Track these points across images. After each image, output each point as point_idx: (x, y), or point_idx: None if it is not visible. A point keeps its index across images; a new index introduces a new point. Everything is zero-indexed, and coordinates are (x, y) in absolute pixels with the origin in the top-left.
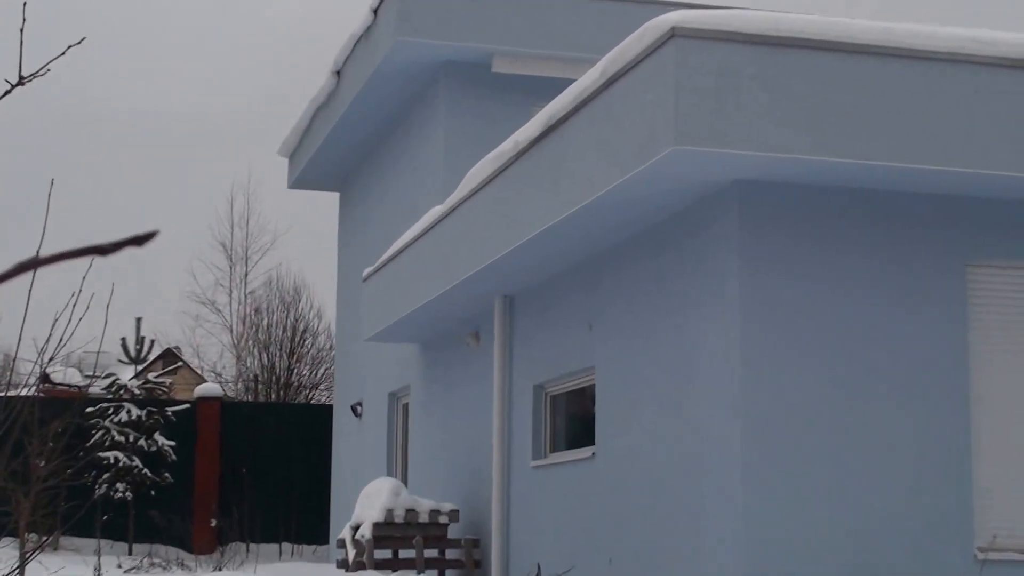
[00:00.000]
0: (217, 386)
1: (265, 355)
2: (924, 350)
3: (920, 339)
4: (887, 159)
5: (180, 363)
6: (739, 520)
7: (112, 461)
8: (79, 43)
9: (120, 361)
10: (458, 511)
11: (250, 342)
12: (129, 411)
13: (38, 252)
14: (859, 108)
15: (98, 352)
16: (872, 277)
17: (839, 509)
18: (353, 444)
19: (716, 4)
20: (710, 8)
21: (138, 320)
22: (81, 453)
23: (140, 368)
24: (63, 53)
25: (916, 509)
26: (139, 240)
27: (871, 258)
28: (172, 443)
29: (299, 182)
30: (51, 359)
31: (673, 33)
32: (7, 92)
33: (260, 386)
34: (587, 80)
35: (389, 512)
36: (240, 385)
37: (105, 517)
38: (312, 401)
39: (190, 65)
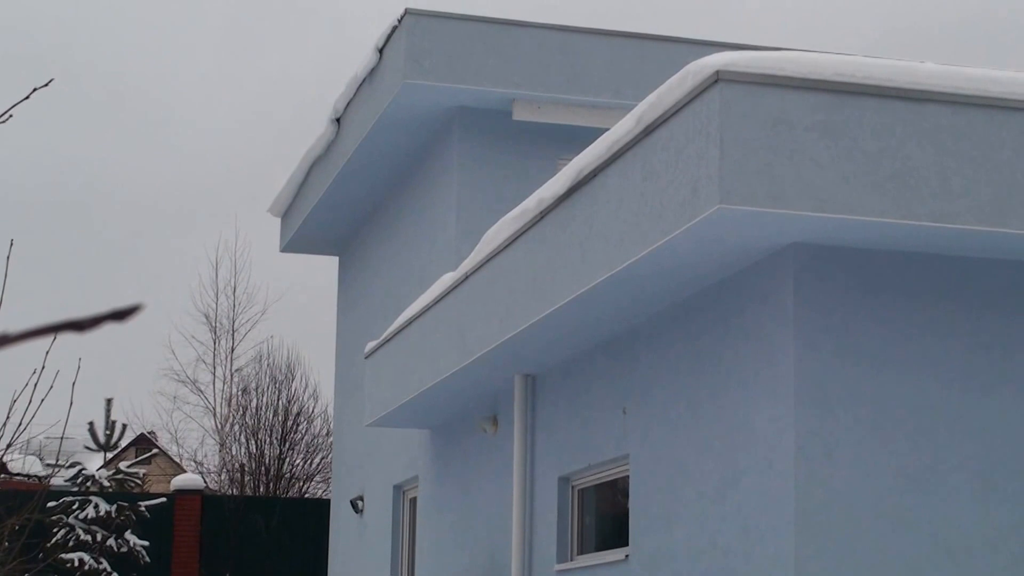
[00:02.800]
0: (198, 477)
1: (253, 442)
2: (1002, 439)
3: (997, 426)
4: (963, 221)
5: (155, 450)
6: None
7: (77, 564)
8: (46, 85)
9: (87, 448)
10: None
11: (236, 427)
12: (97, 506)
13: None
14: (932, 163)
15: (62, 438)
16: (944, 355)
17: None
18: (353, 544)
19: (762, 44)
20: (758, 49)
21: (108, 401)
22: (41, 555)
23: (110, 456)
24: (27, 97)
25: None
26: (120, 315)
27: (944, 333)
28: (145, 543)
29: (293, 245)
30: (8, 445)
31: (718, 77)
32: None
33: (247, 477)
34: (621, 129)
35: None
36: (224, 476)
37: None
38: (306, 495)
39: (172, 123)
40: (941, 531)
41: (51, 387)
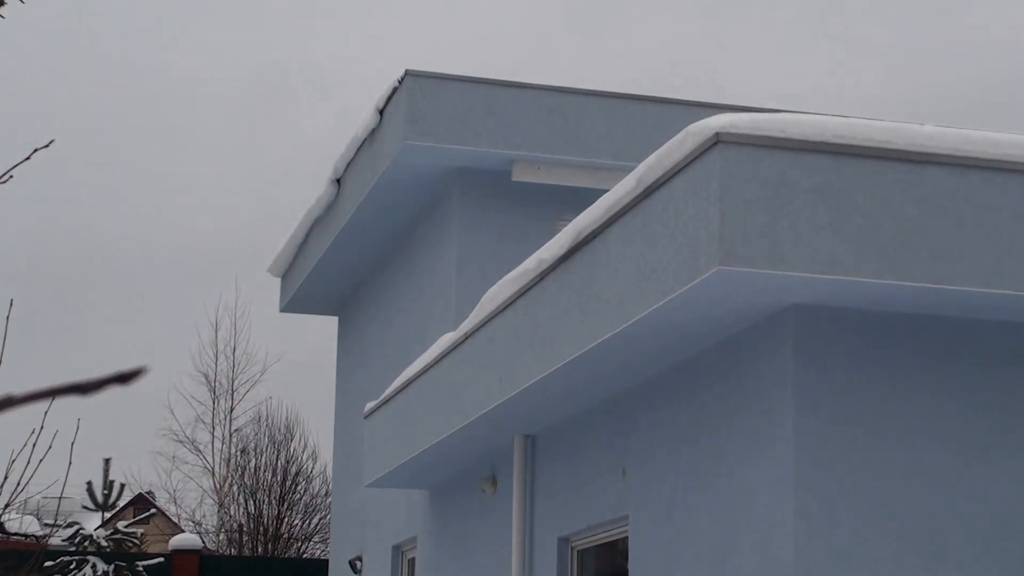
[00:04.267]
0: (196, 537)
1: (252, 502)
2: (1005, 503)
3: (1000, 490)
4: (963, 283)
5: (154, 510)
6: None
7: None
8: (46, 146)
9: (85, 508)
10: None
11: (235, 487)
12: (95, 566)
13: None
14: (932, 225)
15: (60, 497)
16: (946, 418)
17: None
18: None
19: (762, 107)
20: (758, 111)
21: (106, 461)
22: None
23: (108, 516)
24: (27, 158)
25: None
26: (124, 378)
27: (945, 396)
28: None
29: (292, 305)
30: (6, 505)
31: (718, 139)
32: None
33: (245, 538)
34: (620, 191)
35: None
36: (222, 536)
37: None
38: (304, 555)
39: (172, 183)
40: None
41: (50, 447)
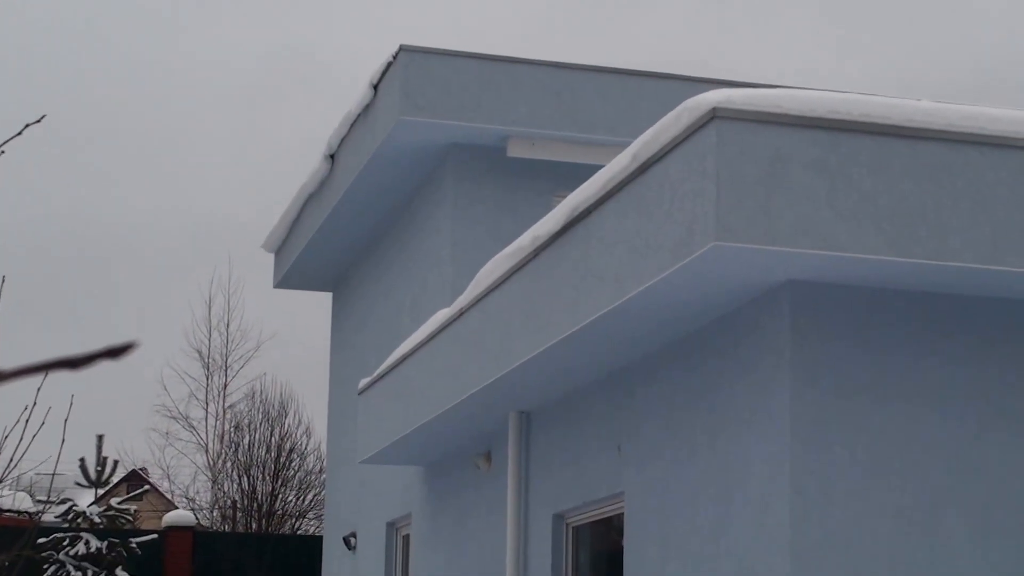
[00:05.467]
0: (189, 514)
1: (245, 478)
2: (1001, 477)
3: (996, 465)
4: (959, 259)
5: (147, 487)
6: None
7: None
8: (38, 121)
9: (78, 484)
10: None
11: (228, 463)
12: (87, 542)
13: None
14: (928, 200)
15: (53, 474)
16: (942, 393)
17: None
18: None
19: (759, 82)
20: (755, 87)
21: (99, 438)
22: None
23: (101, 493)
24: (19, 133)
25: None
26: (114, 352)
27: (941, 371)
28: None
29: (286, 281)
30: None
31: (714, 115)
32: None
33: (239, 514)
34: (616, 167)
35: None
36: (216, 513)
37: None
38: (299, 531)
39: (165, 159)
40: (939, 571)
41: (43, 423)
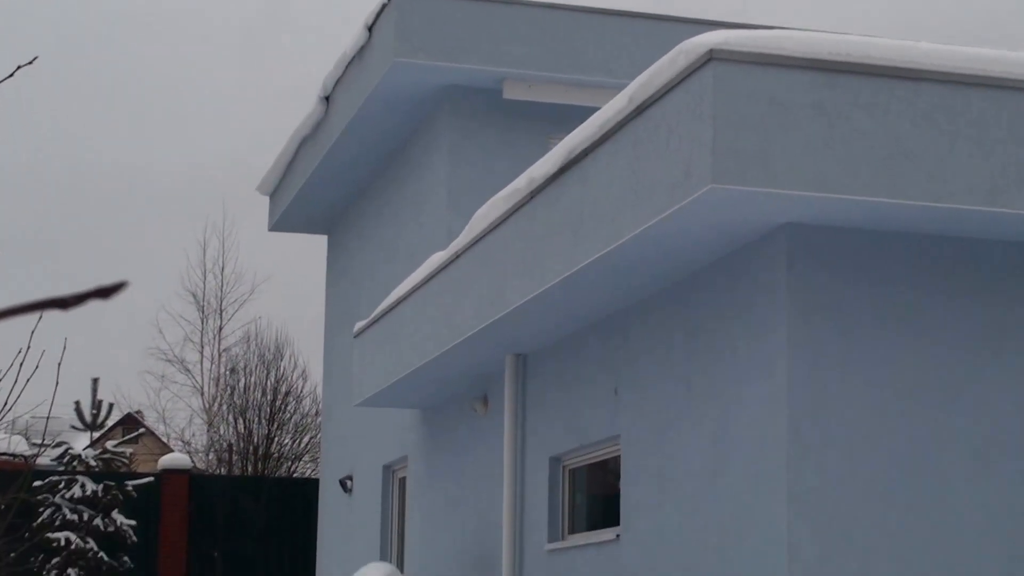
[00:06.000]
0: (185, 457)
1: (241, 421)
2: (998, 419)
3: (994, 406)
4: (958, 201)
5: (142, 430)
6: None
7: (63, 543)
8: (30, 63)
9: (73, 428)
10: None
11: (224, 406)
12: (83, 485)
13: None
14: (927, 143)
15: (48, 417)
16: (939, 335)
17: None
18: (342, 524)
19: (757, 23)
20: (753, 28)
21: (95, 381)
22: (27, 534)
23: (96, 436)
24: (11, 75)
25: None
26: (105, 292)
27: (939, 313)
28: (132, 523)
29: (281, 224)
30: None
31: (711, 56)
32: None
33: (235, 457)
34: (612, 109)
35: None
36: (212, 456)
37: None
38: (295, 474)
39: (160, 101)
40: (936, 511)
41: (37, 367)
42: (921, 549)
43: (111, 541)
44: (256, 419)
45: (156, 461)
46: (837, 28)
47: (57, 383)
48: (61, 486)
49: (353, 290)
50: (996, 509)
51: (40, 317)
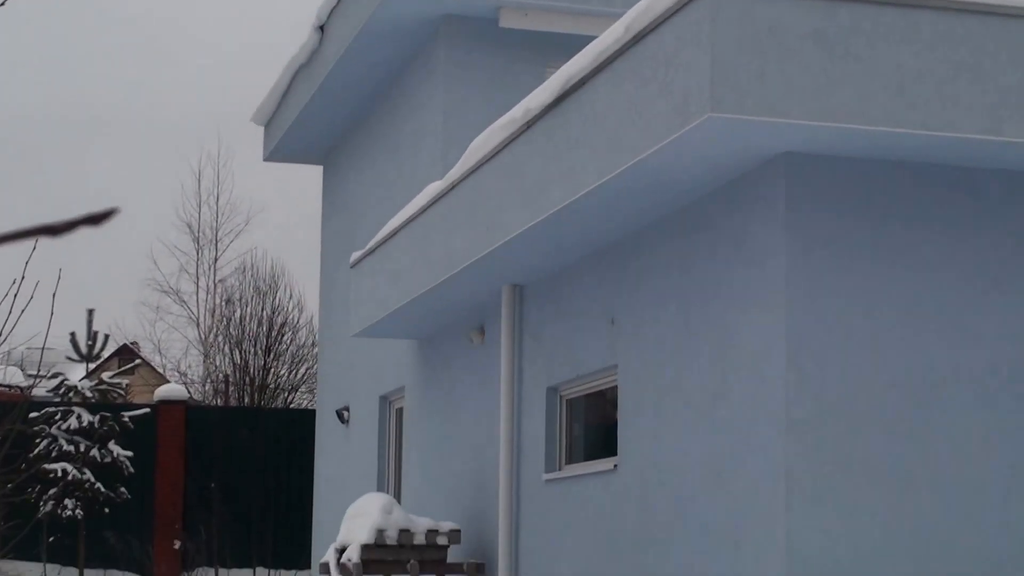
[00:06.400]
0: (181, 388)
1: (237, 352)
2: (996, 346)
3: (990, 331)
4: (957, 130)
5: (138, 361)
6: (782, 540)
7: (60, 474)
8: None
9: (69, 359)
10: (459, 531)
11: (220, 337)
12: (79, 416)
13: None
14: (927, 71)
15: (43, 348)
16: (938, 263)
17: (897, 527)
18: (339, 454)
19: None
20: None
21: (90, 312)
22: (23, 465)
23: (92, 367)
24: (3, 3)
25: (985, 527)
26: (95, 219)
27: (937, 242)
28: (129, 453)
29: (276, 154)
30: None
31: None
32: None
33: (231, 388)
34: (610, 37)
35: (380, 532)
36: (208, 387)
37: (52, 538)
38: (291, 405)
39: (156, 32)
40: (935, 439)
41: (31, 298)
42: (918, 477)
43: (108, 472)
44: (252, 350)
45: (152, 392)
46: None
47: (52, 314)
48: (57, 417)
49: (349, 221)
50: (994, 438)
51: (34, 248)
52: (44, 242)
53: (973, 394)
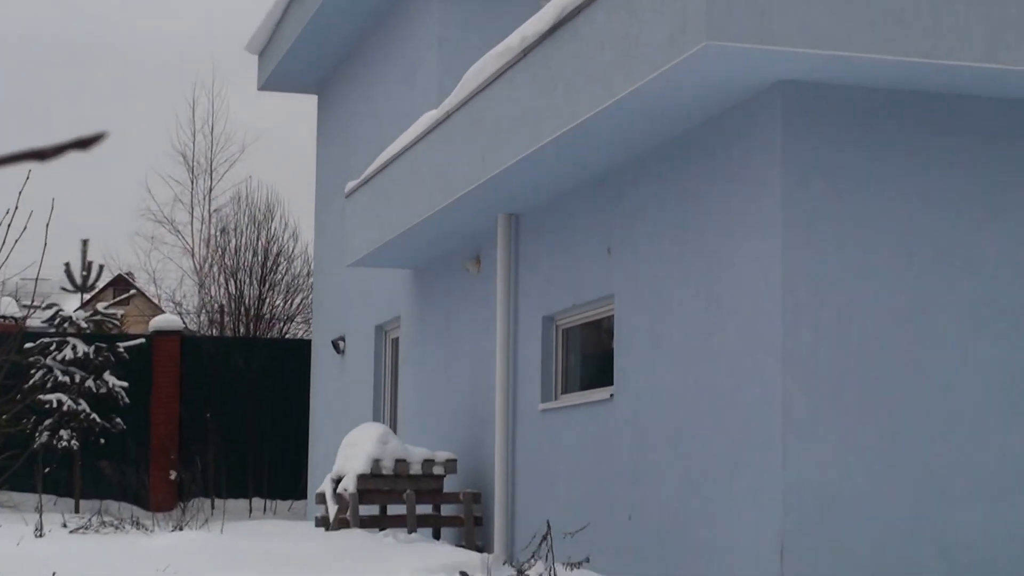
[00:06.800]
0: (176, 318)
1: (232, 282)
2: (992, 276)
3: (986, 262)
4: (954, 57)
5: (133, 291)
6: (778, 470)
7: (55, 405)
8: None
9: (64, 289)
10: (455, 461)
11: (215, 267)
12: (74, 347)
13: None
14: None
15: (37, 279)
16: (934, 192)
17: (893, 458)
18: (334, 384)
19: None
20: None
21: (84, 242)
22: (19, 396)
23: (87, 297)
24: None
25: (982, 458)
26: (84, 143)
27: (933, 171)
28: (124, 384)
29: (271, 83)
30: None
31: None
32: None
33: (226, 318)
34: None
35: (376, 462)
36: (203, 317)
37: (47, 469)
38: (287, 335)
39: None
40: (930, 368)
41: (25, 228)
42: (914, 407)
43: (103, 402)
44: (247, 280)
45: (147, 323)
46: None
47: (46, 245)
48: (52, 348)
49: (344, 150)
50: (990, 368)
51: (27, 177)
52: (38, 172)
53: (968, 323)
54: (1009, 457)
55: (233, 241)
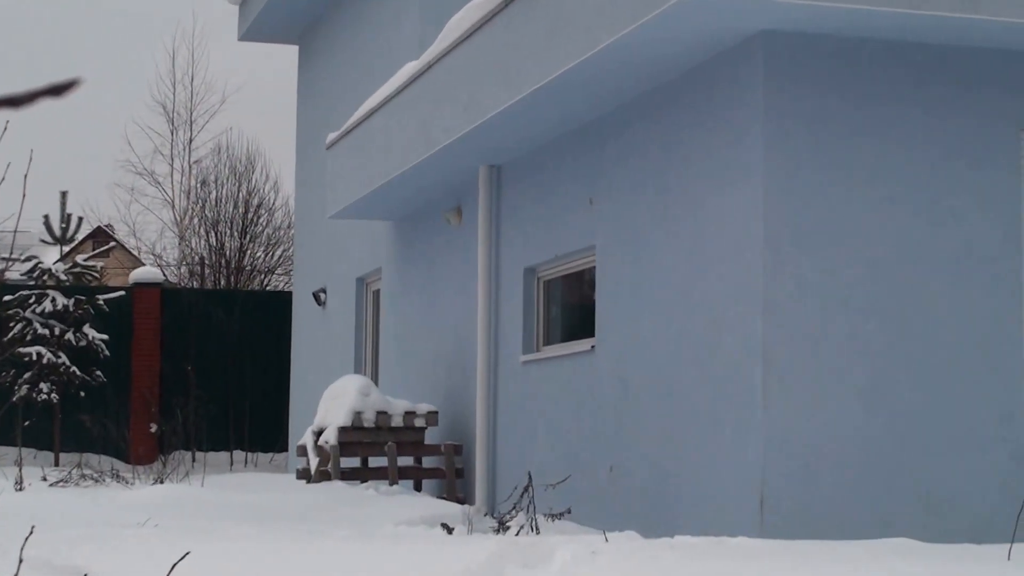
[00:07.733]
0: (157, 270)
1: (213, 234)
2: (971, 225)
3: (967, 212)
4: (938, 7)
5: (113, 243)
6: (759, 420)
7: (34, 358)
8: None
9: (43, 241)
10: (437, 413)
11: (195, 219)
12: (54, 300)
13: None
14: None
15: (15, 231)
16: (914, 142)
17: (872, 407)
18: (316, 337)
19: None
20: None
21: (63, 194)
22: None
23: (66, 250)
24: None
25: (960, 407)
26: (58, 89)
27: (913, 121)
28: (104, 337)
29: (252, 33)
30: None
31: None
32: None
33: (207, 270)
34: None
35: (357, 415)
36: (184, 269)
37: (27, 422)
38: (268, 287)
39: None
40: (911, 318)
41: (2, 179)
42: (895, 357)
43: (83, 355)
44: (228, 232)
45: (127, 275)
46: None
47: (24, 196)
48: (31, 300)
49: (325, 101)
50: (971, 317)
51: (4, 128)
52: (16, 123)
53: (948, 273)
54: (989, 408)
55: (214, 193)
